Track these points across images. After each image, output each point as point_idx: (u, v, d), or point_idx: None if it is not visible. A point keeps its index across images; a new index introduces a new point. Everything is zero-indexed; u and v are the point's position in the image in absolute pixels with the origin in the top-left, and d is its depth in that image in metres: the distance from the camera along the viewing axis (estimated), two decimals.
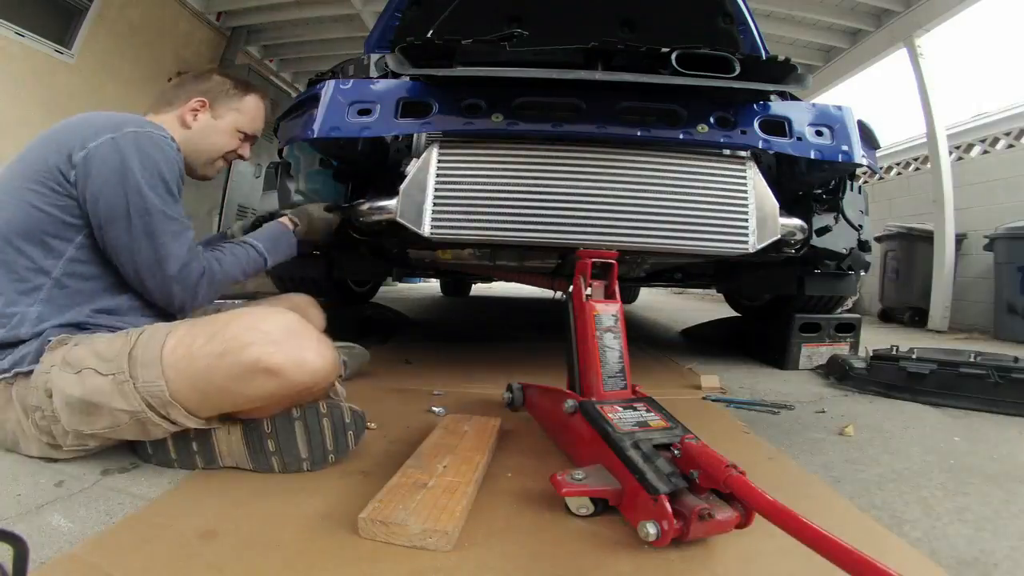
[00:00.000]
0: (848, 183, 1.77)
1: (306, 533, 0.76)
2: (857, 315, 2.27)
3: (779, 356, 2.09)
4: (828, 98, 5.47)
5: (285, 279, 2.23)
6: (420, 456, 0.95)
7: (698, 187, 1.41)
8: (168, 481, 0.91)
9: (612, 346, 1.04)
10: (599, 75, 1.33)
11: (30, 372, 0.92)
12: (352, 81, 1.48)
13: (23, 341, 0.95)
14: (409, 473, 0.88)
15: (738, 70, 1.31)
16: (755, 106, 1.44)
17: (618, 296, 1.10)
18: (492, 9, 2.33)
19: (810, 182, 1.67)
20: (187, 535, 0.74)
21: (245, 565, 0.68)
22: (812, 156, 1.44)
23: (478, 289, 5.49)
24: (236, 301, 2.25)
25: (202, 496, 0.87)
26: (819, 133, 1.45)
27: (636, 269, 1.76)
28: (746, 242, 1.41)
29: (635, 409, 0.96)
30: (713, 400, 1.57)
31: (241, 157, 1.31)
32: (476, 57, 1.35)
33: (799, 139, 1.44)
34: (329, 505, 0.83)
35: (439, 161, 1.38)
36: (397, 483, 0.84)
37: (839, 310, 2.28)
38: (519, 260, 1.74)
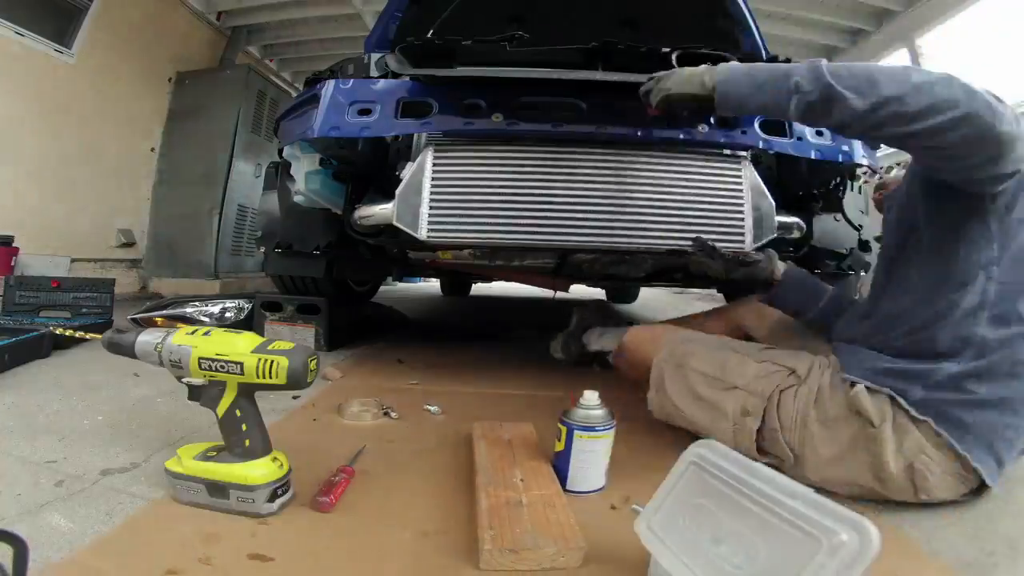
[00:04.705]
0: (848, 183, 1.76)
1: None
2: None
3: None
4: None
5: (285, 279, 2.22)
6: (488, 472, 0.87)
7: (694, 186, 1.41)
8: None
9: None
10: (599, 75, 1.33)
11: None
12: (352, 81, 1.48)
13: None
14: (492, 492, 0.80)
15: None
16: None
17: None
18: (493, 9, 2.32)
19: (810, 182, 1.67)
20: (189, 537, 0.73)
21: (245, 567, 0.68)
22: (813, 156, 1.44)
23: (478, 289, 5.48)
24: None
25: None
26: (819, 133, 1.45)
27: (636, 269, 1.75)
28: (743, 240, 1.40)
29: None
30: None
31: None
32: (476, 57, 1.35)
33: (799, 139, 1.44)
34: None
35: (435, 164, 1.38)
36: (492, 504, 0.76)
37: None
38: (518, 260, 1.74)
